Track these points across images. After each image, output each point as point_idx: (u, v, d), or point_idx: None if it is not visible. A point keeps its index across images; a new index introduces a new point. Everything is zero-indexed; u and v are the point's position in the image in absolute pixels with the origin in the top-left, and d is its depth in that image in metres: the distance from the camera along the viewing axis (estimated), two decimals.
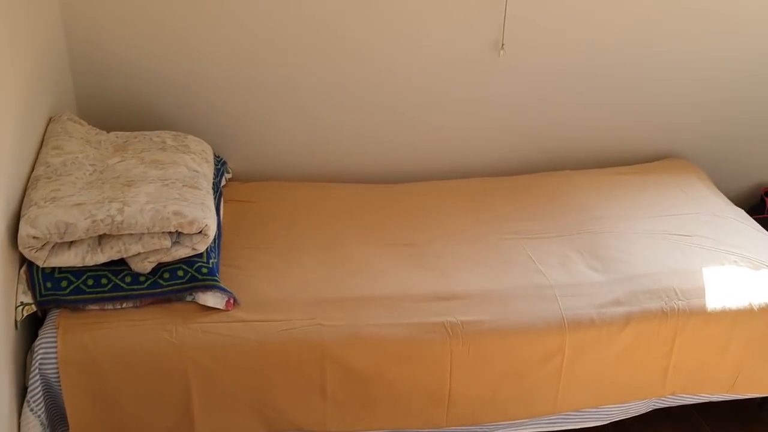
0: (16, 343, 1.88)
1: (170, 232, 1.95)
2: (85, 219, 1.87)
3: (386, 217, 2.50)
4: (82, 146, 2.19)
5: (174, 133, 2.41)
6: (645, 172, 2.83)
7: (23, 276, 1.91)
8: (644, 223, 2.47)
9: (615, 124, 2.91)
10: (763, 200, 3.03)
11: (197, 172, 2.20)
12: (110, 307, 1.96)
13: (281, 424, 1.99)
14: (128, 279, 1.96)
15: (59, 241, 1.87)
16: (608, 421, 2.19)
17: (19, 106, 1.99)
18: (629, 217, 2.50)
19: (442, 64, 2.70)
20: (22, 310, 1.89)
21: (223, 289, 1.99)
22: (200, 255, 2.01)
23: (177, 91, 2.60)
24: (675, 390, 2.15)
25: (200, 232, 1.96)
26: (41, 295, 1.90)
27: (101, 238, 1.94)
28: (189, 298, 2.00)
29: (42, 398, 1.88)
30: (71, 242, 1.91)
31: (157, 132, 2.40)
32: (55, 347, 1.87)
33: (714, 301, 2.10)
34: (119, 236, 1.93)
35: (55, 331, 1.89)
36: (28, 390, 1.87)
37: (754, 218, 2.57)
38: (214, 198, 2.22)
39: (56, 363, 1.86)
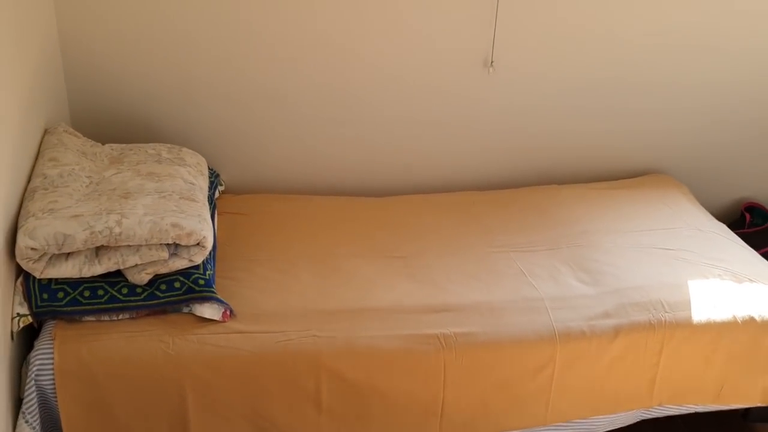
0: (11, 355, 1.87)
1: (168, 244, 1.96)
2: (84, 230, 1.87)
3: (378, 230, 2.53)
4: (78, 158, 2.20)
5: (169, 145, 2.43)
6: (630, 187, 2.89)
7: (20, 287, 1.91)
8: (630, 236, 2.51)
9: (601, 141, 2.97)
10: (743, 215, 3.09)
11: (193, 184, 2.22)
12: (107, 318, 1.96)
13: None
14: (125, 290, 1.96)
15: (57, 252, 1.87)
16: None
17: (15, 117, 1.99)
18: (616, 231, 2.54)
19: (432, 80, 2.74)
20: (19, 321, 1.89)
21: (219, 301, 2.00)
22: (197, 266, 2.02)
23: (170, 104, 2.62)
24: (662, 401, 2.18)
25: (198, 243, 1.98)
26: (37, 307, 1.90)
27: (98, 250, 1.94)
28: (185, 310, 2.00)
29: (37, 409, 1.88)
30: (68, 254, 1.91)
31: (152, 144, 2.41)
32: (51, 358, 1.86)
33: (699, 314, 2.15)
34: (117, 248, 1.93)
35: (51, 342, 1.88)
36: (24, 401, 1.87)
37: (735, 233, 2.62)
38: (209, 210, 2.24)
39: (52, 374, 1.86)
